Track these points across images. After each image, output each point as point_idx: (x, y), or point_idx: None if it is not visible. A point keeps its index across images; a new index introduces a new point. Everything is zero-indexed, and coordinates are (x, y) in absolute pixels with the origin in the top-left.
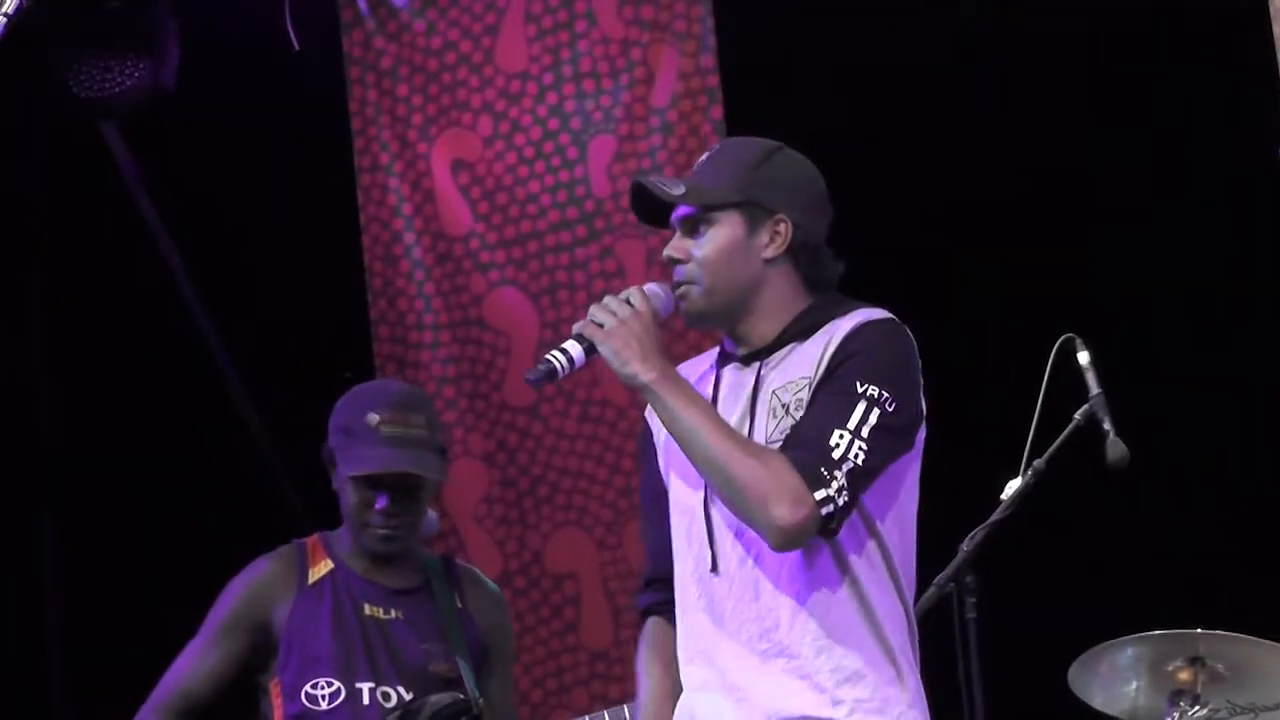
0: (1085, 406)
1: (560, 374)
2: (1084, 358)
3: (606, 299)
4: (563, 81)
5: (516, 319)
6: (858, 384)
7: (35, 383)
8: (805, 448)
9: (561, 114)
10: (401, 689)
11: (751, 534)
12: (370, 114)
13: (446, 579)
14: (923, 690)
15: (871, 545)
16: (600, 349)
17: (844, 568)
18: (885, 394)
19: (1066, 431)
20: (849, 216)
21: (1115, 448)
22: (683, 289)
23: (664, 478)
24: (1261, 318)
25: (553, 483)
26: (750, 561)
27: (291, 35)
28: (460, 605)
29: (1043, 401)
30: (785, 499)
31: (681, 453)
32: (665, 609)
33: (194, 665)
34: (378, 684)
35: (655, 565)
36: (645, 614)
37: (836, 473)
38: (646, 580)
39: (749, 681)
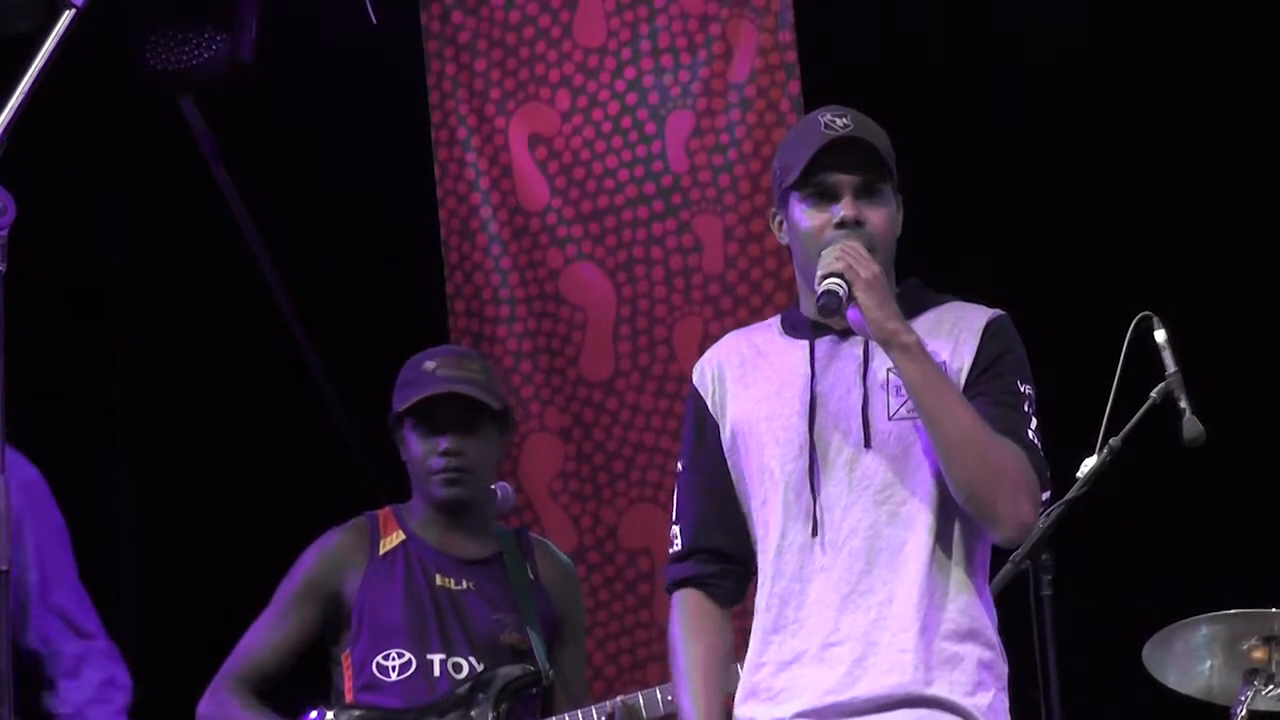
0: (1162, 384)
1: (843, 300)
2: (1161, 335)
3: (847, 247)
4: (641, 56)
5: (593, 294)
6: (1018, 383)
7: (114, 354)
8: (1026, 447)
9: (639, 89)
10: (473, 660)
11: (860, 507)
12: (448, 88)
13: (519, 550)
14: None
15: (975, 527)
16: (862, 298)
17: (959, 547)
18: (1032, 392)
19: (1143, 410)
20: (925, 194)
21: (1191, 426)
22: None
23: (729, 447)
24: None
25: (628, 458)
26: (863, 534)
27: (369, 9)
28: (533, 577)
29: (1119, 379)
30: (1031, 495)
31: (764, 423)
32: (704, 581)
33: (266, 636)
34: (449, 655)
35: (700, 536)
36: (680, 585)
37: (1048, 475)
38: (687, 551)
39: (854, 653)
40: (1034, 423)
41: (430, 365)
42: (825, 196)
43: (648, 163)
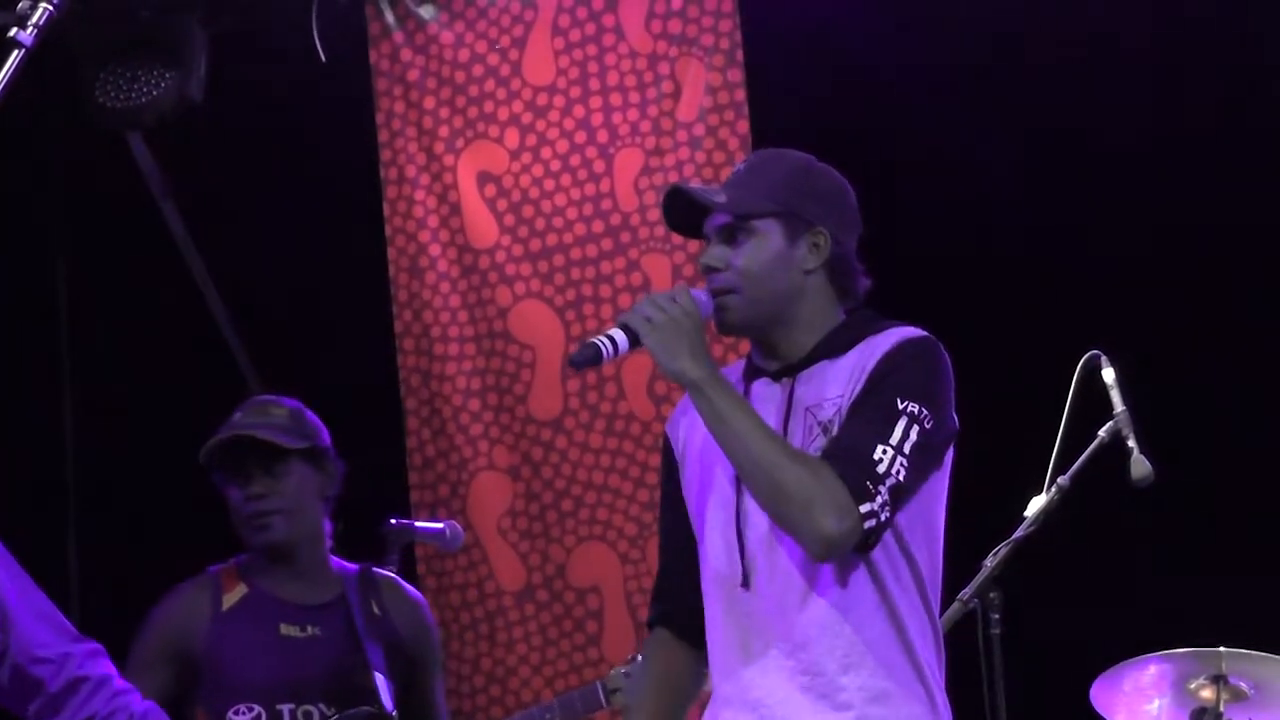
0: (1110, 423)
1: (605, 358)
2: (1109, 375)
3: (654, 295)
4: (590, 95)
5: (542, 332)
6: (899, 400)
7: (61, 393)
8: (850, 460)
9: (588, 127)
10: (323, 706)
11: (783, 550)
12: (397, 126)
13: (363, 589)
14: (950, 709)
15: (903, 563)
16: (646, 341)
17: (876, 586)
18: (925, 411)
19: (1091, 448)
20: (873, 231)
21: (1139, 465)
22: (723, 299)
23: (685, 492)
24: None
25: (577, 496)
26: (781, 578)
27: (319, 47)
28: (380, 613)
29: (1067, 418)
30: (831, 509)
31: (712, 468)
32: (670, 621)
33: None
34: (299, 704)
35: (665, 578)
36: (649, 625)
37: (880, 487)
38: (658, 592)
39: (774, 699)
40: (899, 437)
41: (236, 416)
42: (707, 242)
43: (596, 201)
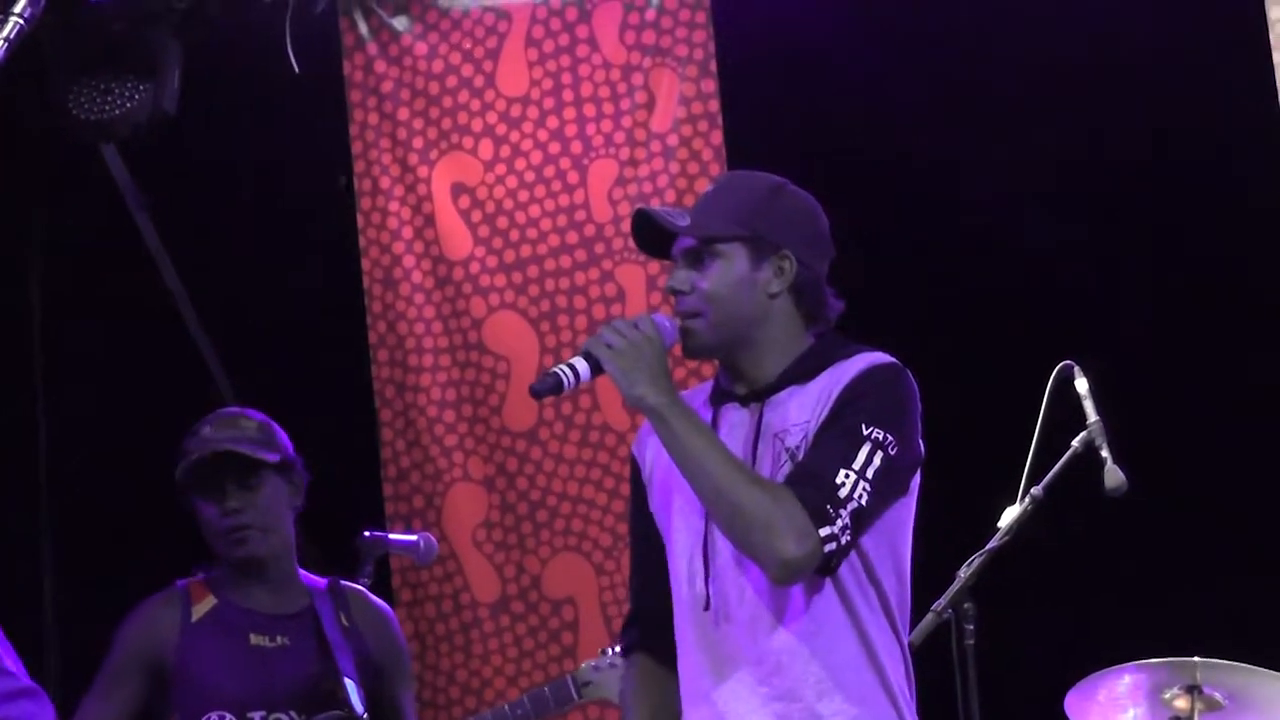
0: (1083, 434)
1: (566, 387)
2: (1082, 385)
3: (616, 321)
4: (564, 106)
5: (516, 343)
6: (863, 426)
7: (34, 403)
8: (811, 484)
9: (562, 138)
10: (294, 713)
11: (751, 574)
12: (371, 137)
13: (332, 599)
14: None
15: (870, 588)
16: (608, 368)
17: (845, 609)
18: (889, 438)
19: (1064, 459)
20: (847, 242)
21: (1113, 475)
22: (689, 323)
23: (654, 514)
24: (1263, 345)
25: (552, 507)
26: (750, 602)
27: (292, 58)
28: (348, 624)
29: (1041, 429)
30: (790, 532)
31: (678, 492)
32: (646, 647)
33: (91, 715)
34: (270, 711)
35: (638, 602)
36: (627, 652)
37: (841, 511)
38: (632, 616)
39: None
40: (862, 462)
41: (205, 430)
42: (675, 265)
43: (570, 212)
